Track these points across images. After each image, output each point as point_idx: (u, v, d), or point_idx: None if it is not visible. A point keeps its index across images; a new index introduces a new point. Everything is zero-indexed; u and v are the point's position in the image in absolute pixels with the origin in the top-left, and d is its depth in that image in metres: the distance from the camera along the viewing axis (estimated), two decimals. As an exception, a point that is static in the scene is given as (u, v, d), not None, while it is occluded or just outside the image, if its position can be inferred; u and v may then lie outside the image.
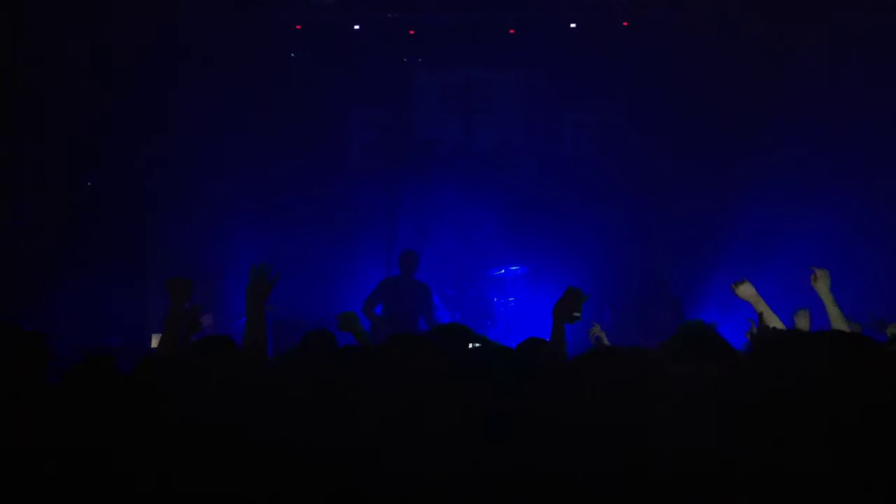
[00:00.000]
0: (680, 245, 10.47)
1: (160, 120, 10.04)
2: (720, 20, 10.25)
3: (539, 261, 10.40)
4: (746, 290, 4.53)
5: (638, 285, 10.25)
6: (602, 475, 2.14)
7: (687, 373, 2.54)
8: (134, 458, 2.50)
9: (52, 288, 9.92)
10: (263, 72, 10.70)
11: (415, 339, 2.79)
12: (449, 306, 10.18)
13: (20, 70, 9.83)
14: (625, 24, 10.76)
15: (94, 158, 10.58)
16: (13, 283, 9.72)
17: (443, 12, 10.82)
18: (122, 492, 2.47)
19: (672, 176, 10.54)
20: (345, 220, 10.76)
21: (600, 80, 10.89)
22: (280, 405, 2.70)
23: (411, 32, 11.02)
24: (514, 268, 10.51)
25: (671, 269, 10.43)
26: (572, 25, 10.85)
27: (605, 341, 5.69)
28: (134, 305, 9.93)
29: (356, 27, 10.88)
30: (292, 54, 11.21)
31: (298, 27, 10.91)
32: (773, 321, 4.39)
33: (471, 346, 3.57)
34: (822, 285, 4.46)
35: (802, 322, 4.86)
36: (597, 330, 5.88)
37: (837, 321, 4.37)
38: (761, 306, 4.45)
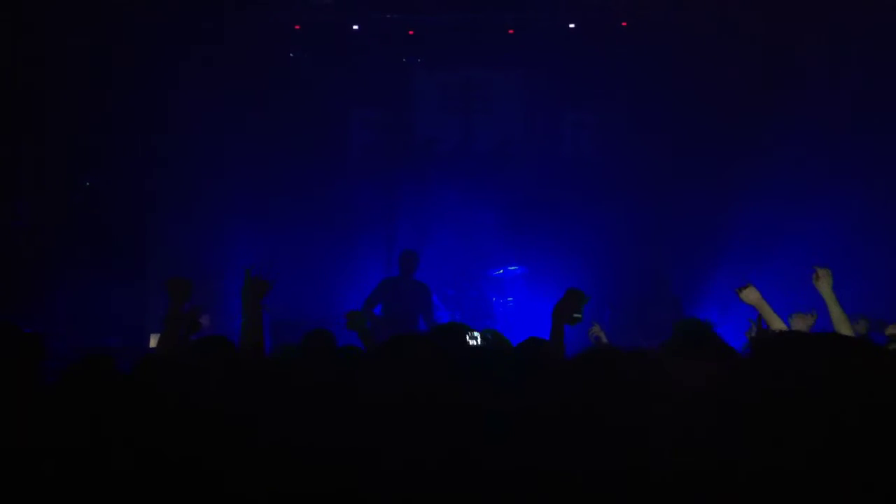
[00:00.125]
0: (680, 245, 10.47)
1: (160, 120, 10.04)
2: (720, 20, 10.25)
3: (539, 261, 10.39)
4: (751, 295, 4.52)
5: (638, 285, 10.25)
6: (602, 475, 2.14)
7: (686, 372, 2.54)
8: (133, 458, 2.50)
9: (52, 287, 9.92)
10: (263, 72, 10.70)
11: (415, 339, 2.79)
12: (448, 306, 10.18)
13: (20, 70, 9.83)
14: (624, 24, 10.75)
15: (94, 158, 10.58)
16: (13, 282, 9.72)
17: (442, 12, 10.82)
18: (120, 491, 2.47)
19: (672, 176, 10.54)
20: (344, 220, 10.75)
21: (600, 80, 10.88)
22: (280, 405, 2.70)
23: (410, 33, 11.01)
24: (513, 268, 10.51)
25: (671, 269, 10.43)
26: (571, 25, 10.85)
27: (605, 340, 5.69)
28: (133, 305, 9.93)
29: (355, 27, 10.88)
30: (291, 54, 11.21)
31: (297, 27, 10.91)
32: (777, 325, 4.39)
33: (468, 337, 3.57)
34: (824, 284, 4.45)
35: (798, 325, 4.86)
36: (596, 329, 5.88)
37: (839, 321, 4.36)
38: (765, 310, 4.45)
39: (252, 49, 10.51)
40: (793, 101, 9.80)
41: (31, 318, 7.78)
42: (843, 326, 4.32)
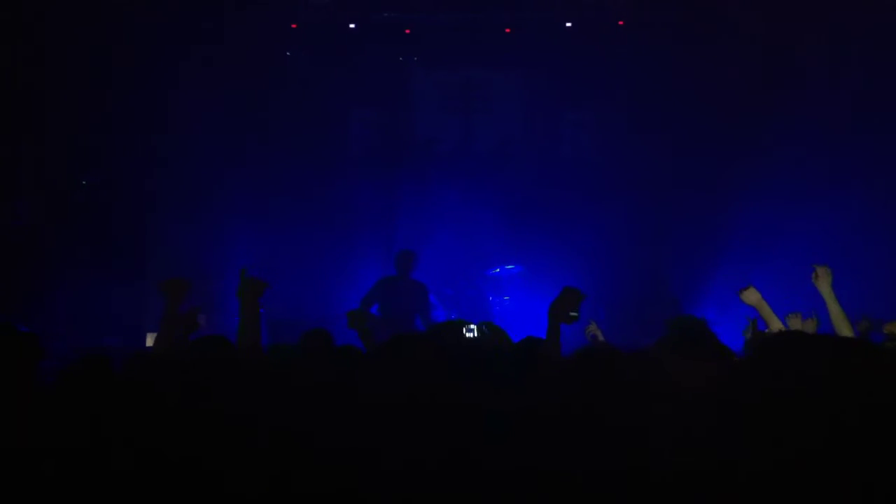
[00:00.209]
0: (679, 245, 10.46)
1: (160, 120, 10.05)
2: (720, 20, 10.24)
3: (537, 260, 10.39)
4: (751, 296, 4.51)
5: (636, 284, 10.25)
6: (602, 475, 2.14)
7: (686, 372, 2.54)
8: (132, 458, 2.50)
9: (51, 287, 9.92)
10: (263, 72, 10.70)
11: (415, 338, 2.79)
12: (446, 306, 10.18)
13: (20, 70, 9.83)
14: (620, 22, 10.76)
15: (94, 158, 10.58)
16: (12, 282, 9.72)
17: (439, 12, 10.82)
18: (120, 491, 2.47)
19: (671, 175, 10.54)
20: (343, 219, 10.75)
21: (599, 79, 10.88)
22: (279, 405, 2.70)
23: (407, 32, 11.01)
24: (509, 266, 10.51)
25: (671, 269, 10.43)
26: (568, 25, 10.85)
27: (601, 339, 5.68)
28: (133, 305, 9.92)
29: (351, 26, 10.88)
30: (287, 53, 11.20)
31: (294, 26, 10.90)
32: (776, 325, 4.39)
33: (464, 330, 3.57)
34: (823, 283, 4.44)
35: (795, 325, 4.85)
36: (593, 328, 5.87)
37: (839, 319, 4.35)
38: (765, 311, 4.45)
39: (252, 49, 10.51)
40: (793, 101, 9.80)
41: (30, 317, 7.78)
42: (842, 325, 4.32)
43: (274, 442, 2.49)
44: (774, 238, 9.76)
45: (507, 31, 10.97)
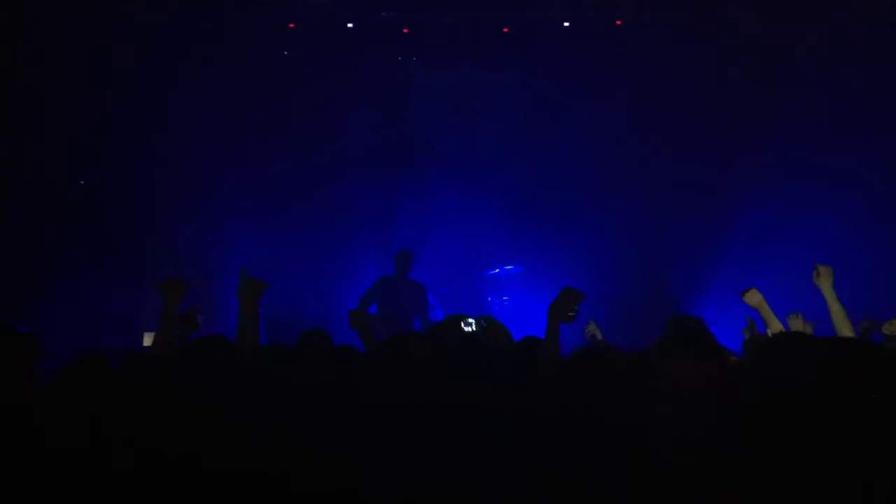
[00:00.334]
0: (679, 245, 10.46)
1: (159, 120, 10.04)
2: (720, 20, 10.24)
3: (537, 260, 10.39)
4: (753, 297, 4.51)
5: (637, 285, 10.25)
6: (602, 475, 2.14)
7: (686, 372, 2.54)
8: (131, 458, 2.50)
9: (51, 287, 9.91)
10: (262, 72, 10.69)
11: (415, 339, 2.79)
12: (444, 305, 10.17)
13: (20, 70, 9.83)
14: (618, 22, 10.76)
15: (94, 158, 10.58)
16: (12, 282, 9.72)
17: (437, 11, 10.82)
18: (119, 491, 2.46)
19: (671, 175, 10.54)
20: (343, 219, 10.75)
21: (598, 79, 10.88)
22: (279, 405, 2.69)
23: (405, 31, 11.02)
24: (509, 267, 10.51)
25: (671, 269, 10.43)
26: (566, 24, 10.85)
27: (601, 339, 5.68)
28: (132, 305, 9.92)
29: (350, 25, 10.88)
30: (286, 53, 11.19)
31: (292, 25, 10.90)
32: (777, 327, 4.38)
33: (463, 324, 3.57)
34: (824, 282, 4.43)
35: (796, 326, 4.84)
36: (592, 328, 5.87)
37: (840, 318, 4.34)
38: (766, 312, 4.44)
39: (251, 49, 10.51)
40: (793, 101, 9.80)
41: (29, 317, 7.77)
42: (843, 324, 4.30)
43: (274, 442, 2.49)
44: (774, 238, 9.76)
45: (506, 30, 10.97)
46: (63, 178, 10.58)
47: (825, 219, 9.28)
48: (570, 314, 3.82)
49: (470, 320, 3.71)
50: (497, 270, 10.51)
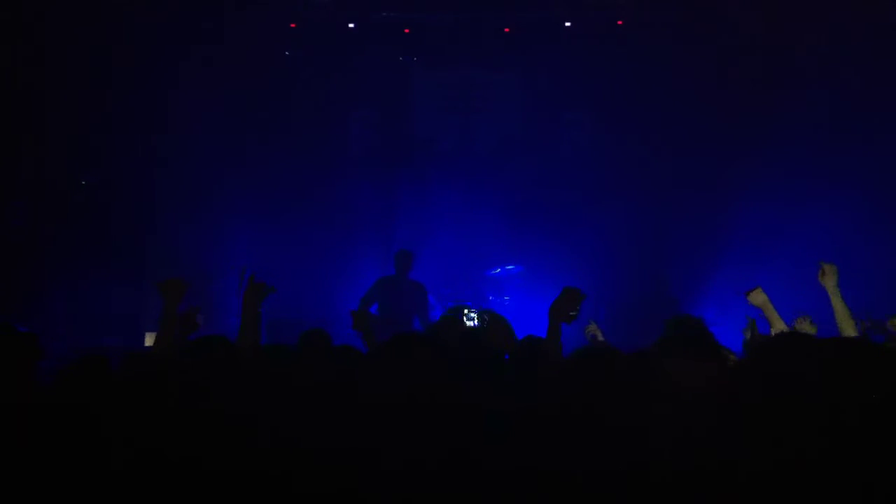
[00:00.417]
0: (679, 245, 10.46)
1: (160, 120, 10.04)
2: (719, 20, 10.24)
3: (537, 260, 10.39)
4: (758, 297, 4.49)
5: (637, 285, 10.25)
6: (602, 475, 2.14)
7: (686, 372, 2.54)
8: (131, 458, 2.50)
9: (51, 287, 9.92)
10: (263, 72, 10.69)
11: (415, 339, 2.79)
12: (445, 305, 10.17)
13: (20, 70, 9.83)
14: (619, 22, 10.76)
15: (94, 158, 10.58)
16: (12, 282, 9.72)
17: (438, 11, 10.83)
18: (119, 491, 2.46)
19: (671, 175, 10.53)
20: (343, 219, 10.75)
21: (598, 78, 10.88)
22: (280, 405, 2.69)
23: (406, 31, 11.02)
24: (509, 267, 10.51)
25: (671, 269, 10.43)
26: (567, 24, 10.86)
27: (601, 339, 5.68)
28: (132, 305, 9.93)
29: (351, 25, 10.89)
30: (287, 52, 11.19)
31: (293, 25, 10.90)
32: (780, 327, 4.37)
33: (464, 318, 3.57)
34: (829, 280, 4.42)
35: (803, 329, 4.83)
36: (593, 328, 5.86)
37: (843, 317, 4.33)
38: (770, 313, 4.43)
39: (252, 49, 10.51)
40: (793, 101, 9.80)
41: (29, 317, 7.78)
42: (846, 323, 4.29)
43: (274, 442, 2.49)
44: (774, 238, 9.76)
45: (507, 30, 10.97)
46: (63, 178, 10.58)
47: (825, 219, 9.28)
48: (571, 313, 3.84)
49: (472, 314, 3.72)
50: (498, 270, 10.51)
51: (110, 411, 2.68)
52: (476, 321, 3.69)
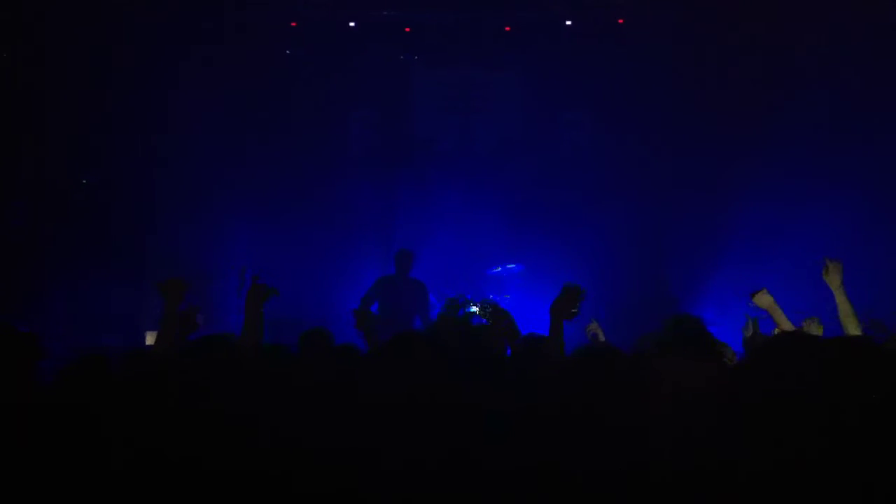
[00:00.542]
0: (679, 245, 10.46)
1: (160, 120, 10.04)
2: (719, 20, 10.24)
3: (537, 260, 10.39)
4: (764, 299, 4.47)
5: (637, 285, 10.25)
6: (602, 475, 2.14)
7: (686, 372, 2.54)
8: (131, 458, 2.50)
9: (51, 287, 9.92)
10: (263, 71, 10.69)
11: (416, 339, 2.79)
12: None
13: (20, 70, 9.83)
14: (620, 21, 10.76)
15: (94, 158, 10.58)
16: (12, 282, 9.72)
17: (438, 10, 10.83)
18: (119, 491, 2.46)
19: (671, 175, 10.54)
20: (343, 219, 10.75)
21: (598, 78, 10.87)
22: (280, 405, 2.69)
23: (407, 30, 11.02)
24: (510, 265, 10.51)
25: (671, 269, 10.43)
26: (568, 23, 10.86)
27: (602, 338, 5.68)
28: (132, 305, 9.93)
29: (351, 24, 10.89)
30: (287, 52, 11.19)
31: (294, 24, 10.90)
32: (787, 328, 4.36)
33: (466, 309, 3.57)
34: (834, 278, 4.40)
35: (813, 331, 4.81)
36: (594, 327, 5.87)
37: (847, 315, 4.31)
38: (777, 314, 4.41)
39: (251, 49, 10.51)
40: (793, 101, 9.80)
41: (30, 317, 7.78)
42: (850, 321, 4.28)
43: (274, 442, 2.49)
44: (774, 238, 9.76)
45: (507, 29, 10.97)
46: (63, 178, 10.58)
47: (825, 219, 9.28)
48: (572, 311, 3.86)
49: (473, 308, 3.73)
50: (499, 269, 10.51)
51: (110, 411, 2.68)
52: (478, 312, 3.70)
